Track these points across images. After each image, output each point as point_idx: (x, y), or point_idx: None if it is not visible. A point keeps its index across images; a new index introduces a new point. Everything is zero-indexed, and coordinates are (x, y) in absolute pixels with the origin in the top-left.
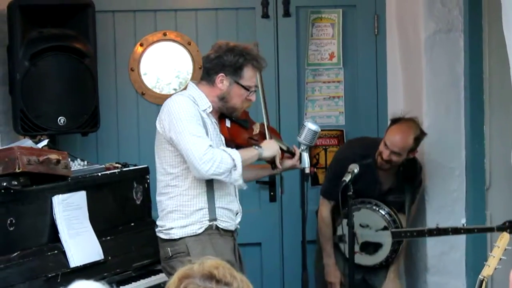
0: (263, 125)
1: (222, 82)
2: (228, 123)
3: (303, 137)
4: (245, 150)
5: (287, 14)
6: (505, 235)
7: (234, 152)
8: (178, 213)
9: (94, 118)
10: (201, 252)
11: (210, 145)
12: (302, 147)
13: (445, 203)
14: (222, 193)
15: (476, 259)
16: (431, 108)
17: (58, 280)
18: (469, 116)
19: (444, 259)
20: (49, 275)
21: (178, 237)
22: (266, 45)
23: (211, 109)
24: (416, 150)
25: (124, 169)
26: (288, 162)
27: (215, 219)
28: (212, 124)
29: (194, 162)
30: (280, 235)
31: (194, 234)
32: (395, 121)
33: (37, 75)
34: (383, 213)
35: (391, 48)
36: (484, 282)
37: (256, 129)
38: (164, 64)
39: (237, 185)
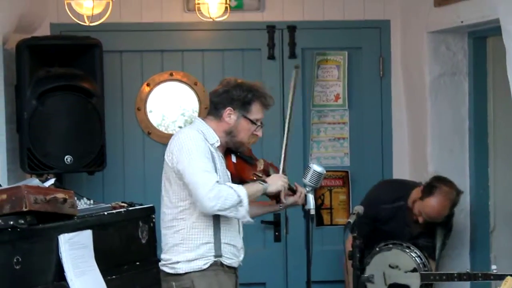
0: (266, 161)
1: (230, 116)
2: (234, 159)
3: (309, 179)
4: (250, 185)
5: (292, 55)
6: (509, 279)
7: (240, 188)
8: (184, 247)
9: (101, 157)
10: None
11: (217, 181)
12: (307, 189)
13: (451, 245)
14: (228, 228)
15: None
16: (436, 150)
17: None
18: (474, 159)
19: None
20: None
21: (183, 271)
22: (271, 86)
23: (219, 143)
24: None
25: (130, 208)
26: (290, 199)
27: (220, 256)
28: (219, 158)
29: (200, 197)
30: (285, 275)
31: (200, 269)
32: (431, 188)
33: (45, 114)
34: (414, 255)
35: (396, 90)
36: None
37: (260, 165)
38: (170, 103)
39: (245, 221)
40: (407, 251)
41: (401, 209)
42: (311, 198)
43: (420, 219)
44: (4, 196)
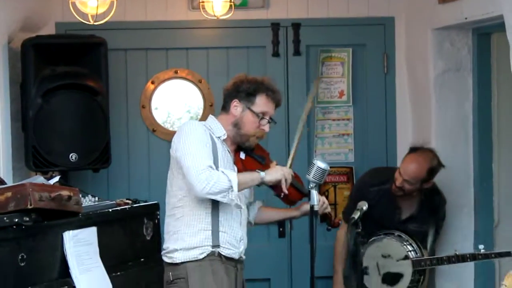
0: (276, 164)
1: (236, 108)
2: (242, 155)
3: (312, 175)
4: (246, 173)
5: (297, 52)
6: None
7: (231, 174)
8: (182, 233)
9: (106, 155)
10: (199, 279)
11: (210, 166)
12: (311, 185)
13: (454, 240)
14: (227, 217)
15: None
16: (440, 145)
17: None
18: (478, 153)
19: None
20: None
21: (179, 261)
22: (276, 83)
23: (225, 136)
24: (430, 181)
25: (135, 205)
26: (306, 207)
27: (218, 246)
28: (224, 151)
29: (191, 179)
30: (289, 271)
31: (196, 259)
32: (412, 149)
33: (50, 112)
34: (405, 243)
35: (400, 86)
36: None
37: (273, 166)
38: (175, 101)
39: (233, 205)
40: (398, 239)
41: (387, 192)
42: (315, 194)
43: (398, 181)
44: (9, 194)
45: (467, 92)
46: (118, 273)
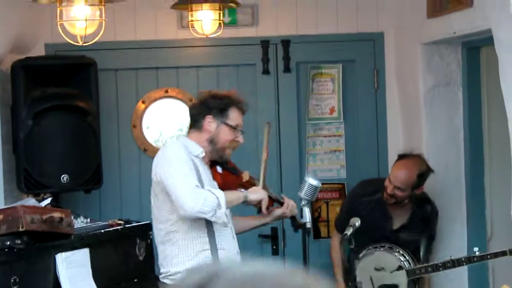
0: (249, 174)
1: (210, 124)
2: (219, 169)
3: (304, 192)
4: (231, 192)
5: (287, 69)
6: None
7: (218, 192)
8: (182, 257)
9: (97, 175)
10: None
11: (197, 185)
12: (303, 202)
13: (448, 253)
14: (221, 233)
15: None
16: (431, 160)
17: None
18: (469, 168)
19: None
20: None
21: None
22: (267, 100)
23: (203, 154)
24: (421, 187)
25: (127, 225)
26: (277, 212)
27: None
28: (204, 168)
29: (180, 200)
30: None
31: None
32: (401, 156)
33: (40, 134)
34: (397, 254)
35: (391, 102)
36: None
37: (246, 177)
38: (167, 120)
39: (220, 222)
40: (390, 251)
41: (379, 201)
42: (307, 211)
43: (389, 189)
44: (1, 217)
45: (458, 106)
46: None
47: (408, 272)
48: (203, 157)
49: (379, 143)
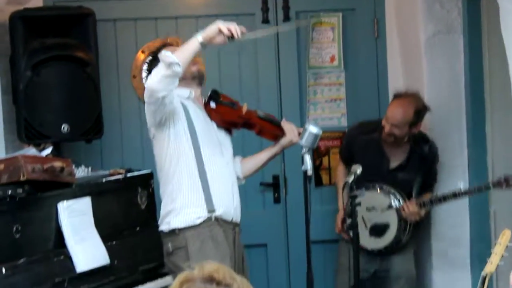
0: (247, 107)
1: None
2: (213, 105)
3: (305, 140)
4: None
5: (287, 18)
6: (507, 232)
7: (164, 54)
8: (174, 195)
9: (98, 125)
10: (199, 247)
11: None
12: (304, 150)
13: (448, 207)
14: (214, 174)
15: (481, 254)
16: (433, 108)
17: (65, 285)
18: (471, 115)
19: (449, 256)
20: (56, 280)
21: (176, 226)
22: (267, 50)
23: (193, 93)
24: (419, 124)
25: (128, 174)
26: (284, 141)
27: (213, 210)
28: (197, 111)
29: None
30: (286, 236)
31: (193, 225)
32: (397, 96)
33: (40, 85)
34: (387, 192)
35: (391, 50)
36: (487, 279)
37: (245, 109)
38: None
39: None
40: (381, 190)
41: (376, 141)
42: (308, 159)
43: (386, 128)
44: (2, 166)
45: (458, 54)
46: (114, 242)
47: (398, 211)
48: (194, 98)
49: (380, 91)
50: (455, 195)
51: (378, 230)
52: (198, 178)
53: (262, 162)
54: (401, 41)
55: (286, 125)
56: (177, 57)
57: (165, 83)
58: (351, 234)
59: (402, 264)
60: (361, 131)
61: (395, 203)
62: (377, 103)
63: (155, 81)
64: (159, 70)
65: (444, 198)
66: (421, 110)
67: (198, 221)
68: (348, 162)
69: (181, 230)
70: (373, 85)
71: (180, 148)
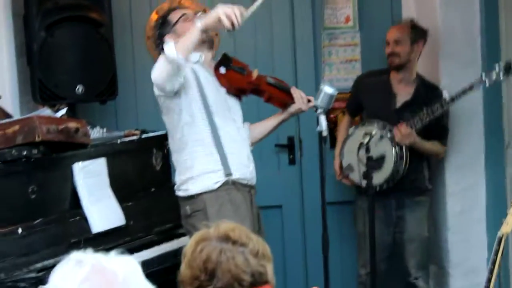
0: (258, 72)
1: (171, 38)
2: (222, 70)
3: (320, 101)
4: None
5: None
6: None
7: (168, 48)
8: (189, 162)
9: (112, 86)
10: (218, 209)
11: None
12: (319, 110)
13: (465, 162)
14: (228, 138)
15: (496, 217)
16: (448, 68)
17: (81, 246)
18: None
19: (464, 217)
20: (72, 241)
21: (194, 192)
22: (281, 10)
23: (202, 57)
24: (420, 43)
25: (143, 135)
26: (292, 108)
27: (230, 174)
28: (208, 74)
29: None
30: (301, 197)
31: (211, 189)
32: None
33: (54, 45)
34: (376, 125)
35: (407, 9)
36: (503, 239)
37: (255, 74)
38: None
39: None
40: (369, 124)
41: (384, 81)
42: (323, 120)
43: (388, 49)
44: (17, 127)
45: (474, 13)
46: (129, 203)
47: (391, 138)
48: (204, 62)
49: None
50: (442, 106)
51: (375, 163)
52: (213, 144)
53: (270, 129)
54: (417, 1)
55: (295, 92)
56: (178, 50)
57: (170, 77)
58: (350, 178)
59: (415, 227)
60: (370, 74)
61: (387, 134)
62: None
63: (161, 77)
64: (163, 67)
65: (433, 111)
66: (418, 27)
67: (216, 186)
68: (354, 112)
69: (199, 194)
70: None
71: (193, 116)
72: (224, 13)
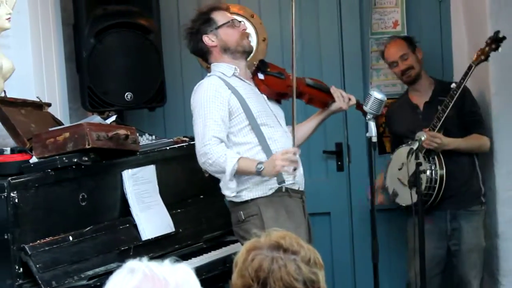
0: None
1: (210, 40)
2: (261, 76)
3: (369, 106)
4: (247, 160)
5: None
6: None
7: (231, 160)
8: (243, 178)
9: (161, 93)
10: (273, 214)
11: (215, 136)
12: (368, 116)
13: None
14: (278, 147)
15: None
16: (498, 73)
17: (131, 253)
18: None
19: None
20: (122, 248)
21: (249, 198)
22: (328, 15)
23: (238, 70)
24: (418, 49)
25: (192, 142)
26: (332, 107)
27: (283, 181)
28: (246, 84)
29: (196, 148)
30: (349, 204)
31: (265, 195)
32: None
33: (103, 52)
34: (407, 144)
35: (456, 14)
36: None
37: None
38: None
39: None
40: (401, 146)
41: (405, 98)
42: (372, 125)
43: (397, 70)
44: (67, 134)
45: None
46: (178, 210)
47: (419, 147)
48: (240, 74)
49: (444, 57)
50: (452, 97)
51: (413, 181)
52: (265, 156)
53: (311, 130)
54: (466, 5)
55: (335, 91)
56: (238, 168)
57: (213, 174)
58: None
59: (472, 238)
60: (392, 104)
61: (414, 146)
62: (441, 69)
63: (207, 168)
64: (214, 169)
65: (446, 106)
66: (406, 37)
67: (270, 192)
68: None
69: (253, 199)
70: (437, 50)
71: (241, 134)
72: (282, 166)
